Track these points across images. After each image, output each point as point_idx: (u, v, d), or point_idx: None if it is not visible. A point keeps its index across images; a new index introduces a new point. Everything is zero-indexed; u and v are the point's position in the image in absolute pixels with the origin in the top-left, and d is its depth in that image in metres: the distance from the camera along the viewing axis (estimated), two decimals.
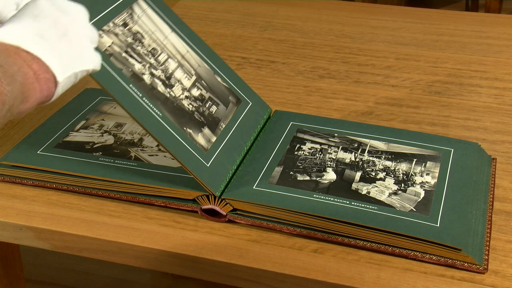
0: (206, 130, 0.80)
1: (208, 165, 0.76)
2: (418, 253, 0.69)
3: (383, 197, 0.74)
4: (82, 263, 1.59)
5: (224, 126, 0.82)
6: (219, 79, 0.87)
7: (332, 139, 0.84)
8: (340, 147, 0.83)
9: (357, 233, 0.70)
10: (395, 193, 0.75)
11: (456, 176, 0.77)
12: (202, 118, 0.80)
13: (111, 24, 0.79)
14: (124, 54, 0.78)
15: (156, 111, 0.76)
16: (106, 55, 0.75)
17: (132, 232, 0.74)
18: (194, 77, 0.84)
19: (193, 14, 1.28)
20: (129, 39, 0.80)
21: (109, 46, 0.77)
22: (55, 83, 0.58)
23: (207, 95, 0.84)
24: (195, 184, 0.75)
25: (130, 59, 0.78)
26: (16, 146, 0.85)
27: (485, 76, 1.04)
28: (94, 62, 0.63)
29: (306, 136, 0.85)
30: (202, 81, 0.85)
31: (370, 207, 0.72)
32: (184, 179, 0.76)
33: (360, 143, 0.83)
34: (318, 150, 0.82)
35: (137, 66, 0.79)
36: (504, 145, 0.87)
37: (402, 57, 1.11)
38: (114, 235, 0.74)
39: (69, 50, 0.60)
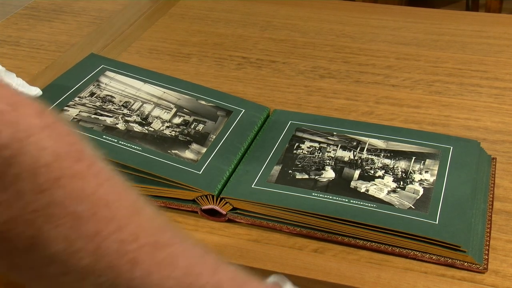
0: (194, 146, 0.81)
1: (200, 173, 0.77)
2: (418, 252, 0.69)
3: (381, 195, 0.74)
4: None
5: (214, 137, 0.82)
6: (203, 102, 0.89)
7: (331, 138, 0.84)
8: (339, 145, 0.83)
9: (357, 232, 0.70)
10: (393, 191, 0.75)
11: (455, 174, 0.77)
12: (187, 137, 0.82)
13: (76, 99, 0.84)
14: (93, 116, 0.82)
15: (135, 147, 0.78)
16: (74, 122, 0.79)
17: None
18: (174, 110, 0.86)
19: (193, 14, 1.28)
20: (98, 103, 0.83)
21: (76, 115, 0.81)
22: None
23: (191, 118, 0.86)
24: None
25: (101, 117, 0.82)
26: None
27: (485, 76, 1.04)
28: None
29: (305, 135, 0.85)
30: (184, 109, 0.87)
31: (369, 204, 0.72)
32: (183, 180, 0.76)
33: (359, 142, 0.83)
34: (317, 148, 0.82)
35: (109, 120, 0.82)
36: (504, 145, 0.87)
37: (403, 56, 1.11)
38: None
39: None
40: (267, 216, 0.73)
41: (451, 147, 0.81)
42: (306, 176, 0.77)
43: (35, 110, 0.39)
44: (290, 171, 0.78)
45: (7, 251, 0.40)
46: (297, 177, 0.77)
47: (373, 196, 0.74)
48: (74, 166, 0.39)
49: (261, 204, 0.73)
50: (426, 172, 0.78)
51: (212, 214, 0.75)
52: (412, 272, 0.68)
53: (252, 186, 0.76)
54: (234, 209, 0.74)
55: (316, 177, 0.77)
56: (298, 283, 0.69)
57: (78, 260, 0.40)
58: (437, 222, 0.70)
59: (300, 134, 0.85)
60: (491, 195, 0.77)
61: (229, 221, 0.75)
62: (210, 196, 0.74)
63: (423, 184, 0.76)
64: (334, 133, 0.85)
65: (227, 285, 0.46)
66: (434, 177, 0.77)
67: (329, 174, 0.78)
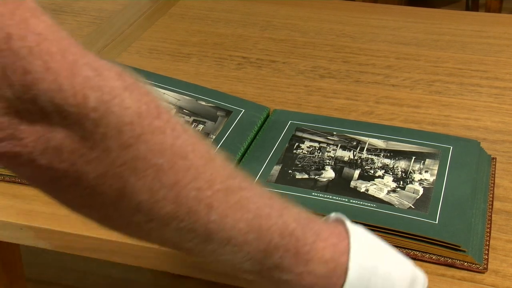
0: None
1: None
2: (418, 252, 0.69)
3: (381, 195, 0.74)
4: (82, 262, 1.59)
5: (214, 137, 0.82)
6: (203, 102, 0.88)
7: (331, 138, 0.84)
8: (339, 145, 0.83)
9: None
10: (393, 191, 0.75)
11: (455, 174, 0.77)
12: None
13: None
14: None
15: None
16: None
17: None
18: (174, 110, 0.86)
19: (193, 14, 1.28)
20: None
21: None
22: None
23: (190, 119, 0.85)
24: None
25: None
26: None
27: (485, 76, 1.04)
28: None
29: (304, 135, 0.85)
30: (184, 110, 0.87)
31: (369, 204, 0.72)
32: None
33: (358, 141, 0.83)
34: (317, 148, 0.82)
35: None
36: (504, 144, 0.87)
37: (403, 56, 1.11)
38: (115, 235, 0.74)
39: None
40: None
41: (451, 147, 0.81)
42: (306, 176, 0.77)
43: (116, 72, 0.42)
44: (290, 171, 0.78)
45: (100, 203, 0.44)
46: (297, 177, 0.77)
47: (373, 196, 0.74)
48: (154, 122, 0.43)
49: None
50: (426, 172, 0.78)
51: None
52: None
53: None
54: None
55: (316, 177, 0.77)
56: None
57: (161, 208, 0.44)
58: (437, 222, 0.70)
59: (300, 134, 0.85)
60: (491, 195, 0.77)
61: None
62: None
63: (423, 184, 0.76)
64: (334, 133, 0.85)
65: (292, 225, 0.50)
66: (434, 177, 0.77)
67: (329, 174, 0.78)
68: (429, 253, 0.69)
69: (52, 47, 0.39)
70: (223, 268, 0.50)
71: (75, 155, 0.41)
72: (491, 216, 0.74)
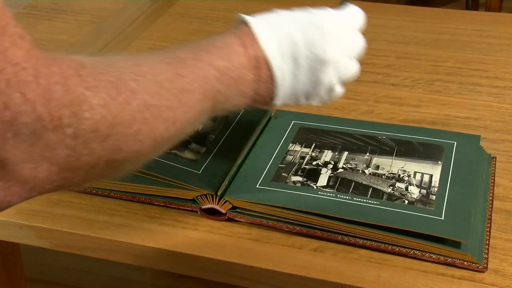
0: (193, 145, 0.81)
1: (199, 172, 0.77)
2: (418, 251, 0.69)
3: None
4: (82, 262, 1.59)
5: (213, 136, 0.82)
6: None
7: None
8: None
9: (358, 231, 0.70)
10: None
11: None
12: (187, 137, 0.81)
13: None
14: None
15: None
16: None
17: (132, 231, 0.74)
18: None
19: (193, 13, 1.28)
20: None
21: None
22: (271, 99, 0.59)
23: None
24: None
25: None
26: None
27: (485, 75, 1.04)
28: (321, 101, 0.64)
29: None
30: None
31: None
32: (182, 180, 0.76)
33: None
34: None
35: None
36: (504, 144, 0.87)
37: (403, 55, 1.11)
38: (115, 234, 0.74)
39: (306, 87, 0.60)
40: (267, 215, 0.73)
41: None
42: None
43: (78, 75, 0.44)
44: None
45: (91, 178, 0.47)
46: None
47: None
48: (118, 99, 0.45)
49: (261, 203, 0.73)
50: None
51: (212, 213, 0.75)
52: (412, 271, 0.68)
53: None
54: (233, 208, 0.74)
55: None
56: (298, 282, 0.69)
57: (143, 151, 0.49)
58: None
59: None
60: (491, 194, 0.77)
61: (229, 220, 0.75)
62: (210, 195, 0.74)
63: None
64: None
65: (217, 64, 0.55)
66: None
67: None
68: (429, 252, 0.69)
69: (28, 76, 0.40)
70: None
71: (65, 169, 0.44)
72: (491, 215, 0.74)
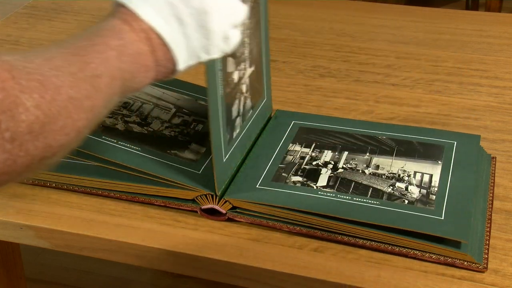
0: (193, 146, 0.81)
1: (199, 172, 0.77)
2: (418, 251, 0.69)
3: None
4: (82, 262, 1.59)
5: None
6: (202, 102, 0.89)
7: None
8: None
9: (358, 231, 0.70)
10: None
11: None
12: (187, 137, 0.82)
13: None
14: None
15: (134, 147, 0.79)
16: None
17: (132, 231, 0.74)
18: (173, 110, 0.87)
19: None
20: None
21: None
22: (174, 66, 0.59)
23: (190, 119, 0.86)
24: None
25: None
26: None
27: (485, 75, 1.04)
28: (221, 51, 0.62)
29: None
30: (184, 110, 0.87)
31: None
32: (182, 180, 0.76)
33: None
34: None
35: (109, 120, 0.83)
36: (504, 144, 0.87)
37: (403, 55, 1.11)
38: (115, 234, 0.74)
39: (200, 42, 0.60)
40: (267, 215, 0.73)
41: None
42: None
43: (13, 78, 0.45)
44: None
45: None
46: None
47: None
48: (45, 96, 0.46)
49: (261, 203, 0.73)
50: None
51: (212, 213, 0.75)
52: (412, 271, 0.68)
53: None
54: (233, 208, 0.74)
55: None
56: (298, 282, 0.69)
57: (76, 134, 0.50)
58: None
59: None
60: (491, 194, 0.77)
61: (229, 220, 0.75)
62: (210, 195, 0.74)
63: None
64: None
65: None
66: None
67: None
68: (429, 252, 0.69)
69: None
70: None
71: (2, 174, 0.45)
72: (491, 215, 0.74)
